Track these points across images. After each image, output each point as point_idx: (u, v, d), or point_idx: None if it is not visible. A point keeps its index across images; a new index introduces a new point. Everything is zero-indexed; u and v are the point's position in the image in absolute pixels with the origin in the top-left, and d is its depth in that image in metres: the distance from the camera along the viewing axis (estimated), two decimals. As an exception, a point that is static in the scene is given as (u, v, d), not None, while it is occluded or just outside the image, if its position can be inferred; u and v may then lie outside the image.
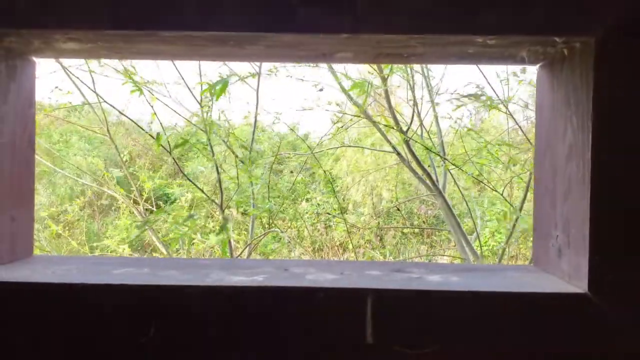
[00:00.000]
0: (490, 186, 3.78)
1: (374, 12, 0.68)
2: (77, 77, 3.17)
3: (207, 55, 0.81)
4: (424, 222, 6.72)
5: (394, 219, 6.64)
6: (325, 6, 0.68)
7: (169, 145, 3.13)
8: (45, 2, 0.69)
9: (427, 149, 3.21)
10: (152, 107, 3.07)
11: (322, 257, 6.23)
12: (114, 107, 3.42)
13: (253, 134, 3.37)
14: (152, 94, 3.09)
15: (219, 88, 2.55)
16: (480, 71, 3.07)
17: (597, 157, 0.68)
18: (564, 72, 0.75)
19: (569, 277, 0.74)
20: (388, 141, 3.29)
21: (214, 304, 0.70)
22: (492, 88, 3.12)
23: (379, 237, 6.54)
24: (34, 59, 0.85)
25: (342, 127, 3.69)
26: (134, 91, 2.84)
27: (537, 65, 0.82)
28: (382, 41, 0.72)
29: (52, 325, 0.70)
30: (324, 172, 3.57)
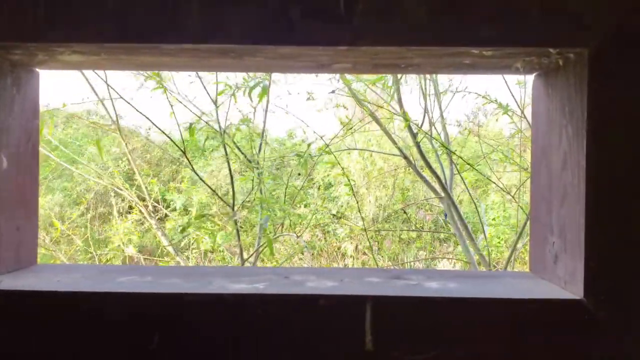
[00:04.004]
0: (501, 186, 3.79)
1: (372, 25, 0.70)
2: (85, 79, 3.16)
3: (208, 66, 0.83)
4: (421, 227, 6.73)
5: (393, 224, 6.64)
6: (324, 19, 0.70)
7: (184, 145, 3.17)
8: (52, 17, 0.71)
9: (444, 146, 3.21)
10: (172, 106, 3.05)
11: (320, 263, 6.23)
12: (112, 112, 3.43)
13: (262, 137, 3.36)
14: (171, 94, 3.09)
15: (260, 92, 2.54)
16: (505, 80, 3.09)
17: (591, 164, 0.69)
18: (559, 82, 0.76)
19: (564, 283, 0.75)
20: (396, 145, 3.29)
21: (215, 312, 0.71)
22: (510, 92, 3.12)
23: (376, 242, 6.54)
24: (37, 70, 0.87)
25: (350, 129, 3.67)
26: (156, 88, 2.84)
27: (533, 75, 0.83)
28: (380, 52, 0.74)
29: (57, 334, 0.71)
30: (342, 169, 3.54)
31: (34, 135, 0.87)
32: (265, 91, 2.57)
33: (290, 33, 0.70)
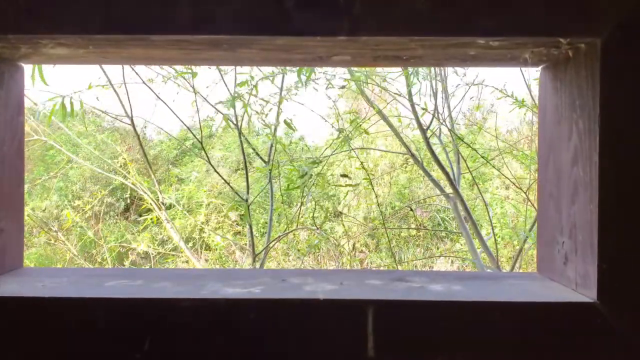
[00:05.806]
0: (517, 185, 3.76)
1: (372, 13, 0.66)
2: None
3: (200, 59, 0.79)
4: (418, 225, 6.70)
5: (391, 222, 6.61)
6: (321, 8, 0.66)
7: (201, 138, 3.21)
8: (35, 7, 0.67)
9: (459, 138, 3.20)
10: (195, 94, 3.03)
11: (319, 261, 6.19)
12: (107, 113, 3.40)
13: (275, 132, 3.33)
14: (192, 86, 3.06)
15: (307, 74, 2.59)
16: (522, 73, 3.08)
17: (604, 160, 0.66)
18: (568, 74, 0.72)
19: (575, 285, 0.72)
20: (403, 143, 3.26)
21: (208, 317, 0.68)
22: (527, 86, 3.12)
23: (375, 240, 6.50)
24: (22, 64, 0.83)
25: (360, 126, 3.62)
26: (181, 73, 2.84)
27: (540, 67, 0.80)
28: (381, 43, 0.70)
29: (42, 341, 0.67)
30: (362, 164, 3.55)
31: (19, 133, 0.83)
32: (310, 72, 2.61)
33: (285, 23, 0.66)
